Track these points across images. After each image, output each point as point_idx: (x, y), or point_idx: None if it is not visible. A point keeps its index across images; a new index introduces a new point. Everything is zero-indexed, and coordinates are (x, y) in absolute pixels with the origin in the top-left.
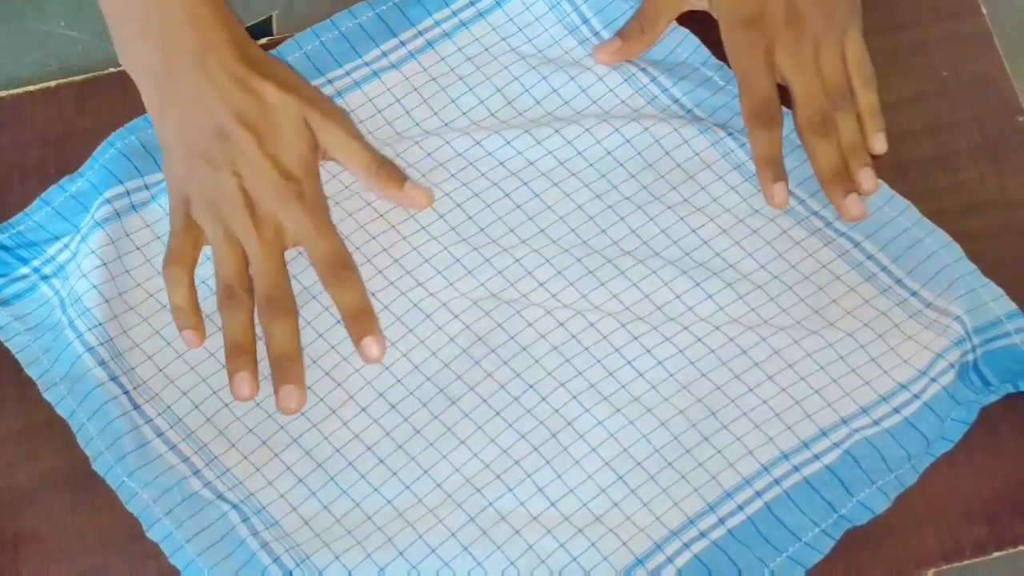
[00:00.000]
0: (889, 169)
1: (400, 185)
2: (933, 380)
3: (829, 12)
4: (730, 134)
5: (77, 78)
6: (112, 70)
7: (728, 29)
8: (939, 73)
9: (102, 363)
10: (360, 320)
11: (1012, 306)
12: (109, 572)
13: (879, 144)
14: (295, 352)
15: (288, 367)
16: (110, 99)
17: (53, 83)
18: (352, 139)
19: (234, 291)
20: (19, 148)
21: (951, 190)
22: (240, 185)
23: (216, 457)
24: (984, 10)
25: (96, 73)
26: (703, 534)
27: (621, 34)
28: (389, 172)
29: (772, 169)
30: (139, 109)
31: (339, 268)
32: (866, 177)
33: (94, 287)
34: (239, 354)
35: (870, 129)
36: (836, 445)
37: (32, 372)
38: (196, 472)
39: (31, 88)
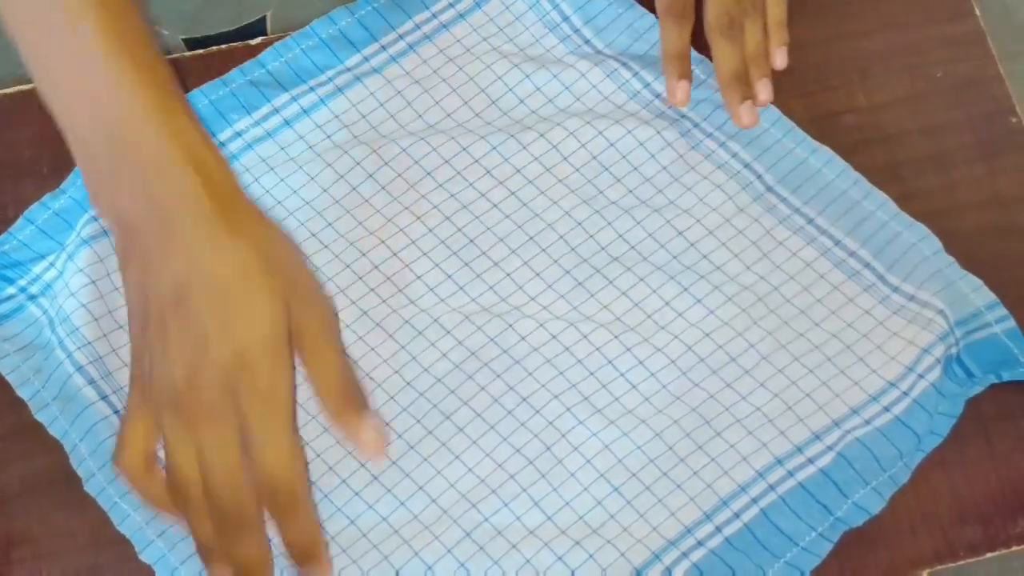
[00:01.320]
0: (883, 168)
1: (358, 416)
2: (921, 376)
3: None
4: (709, 135)
5: None
6: None
7: None
8: (933, 74)
9: (92, 382)
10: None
11: (991, 296)
12: (101, 571)
13: (780, 59)
14: (266, 561)
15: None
16: None
17: None
18: (326, 342)
19: (187, 494)
20: (12, 147)
21: (944, 189)
22: (192, 370)
23: None
24: (978, 12)
25: None
26: (701, 543)
27: None
28: (352, 398)
29: (679, 65)
30: None
31: (282, 494)
32: (763, 88)
33: (83, 306)
34: (209, 555)
35: (774, 42)
36: (829, 448)
37: (23, 393)
38: None
39: (24, 87)
